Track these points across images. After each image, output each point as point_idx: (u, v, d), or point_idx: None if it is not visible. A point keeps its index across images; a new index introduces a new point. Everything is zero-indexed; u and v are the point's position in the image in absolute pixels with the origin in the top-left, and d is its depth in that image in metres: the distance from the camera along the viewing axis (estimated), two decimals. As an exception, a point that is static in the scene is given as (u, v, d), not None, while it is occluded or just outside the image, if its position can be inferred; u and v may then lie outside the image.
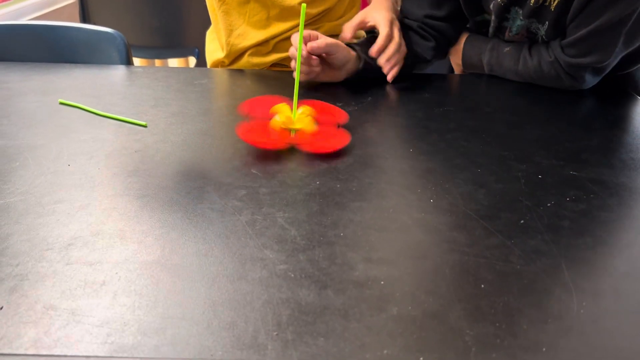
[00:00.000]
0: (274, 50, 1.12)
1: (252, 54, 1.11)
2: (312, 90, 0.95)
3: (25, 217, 0.60)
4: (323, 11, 1.08)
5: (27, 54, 1.20)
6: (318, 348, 0.44)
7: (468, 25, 1.06)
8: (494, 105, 0.91)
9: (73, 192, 0.65)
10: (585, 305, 0.49)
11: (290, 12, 1.07)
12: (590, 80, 0.92)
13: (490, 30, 0.99)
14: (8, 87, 0.98)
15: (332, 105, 0.85)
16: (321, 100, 0.85)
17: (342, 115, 0.83)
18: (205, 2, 1.18)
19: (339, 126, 0.80)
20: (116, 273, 0.52)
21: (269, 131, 0.77)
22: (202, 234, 0.57)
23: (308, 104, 0.80)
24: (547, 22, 0.89)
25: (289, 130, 0.77)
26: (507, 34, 0.96)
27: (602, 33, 0.83)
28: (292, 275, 0.51)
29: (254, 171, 0.69)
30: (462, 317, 0.47)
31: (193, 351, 0.43)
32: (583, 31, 0.84)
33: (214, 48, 1.22)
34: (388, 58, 0.94)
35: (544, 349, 0.44)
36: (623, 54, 0.88)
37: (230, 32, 1.10)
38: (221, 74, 1.06)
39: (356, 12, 1.12)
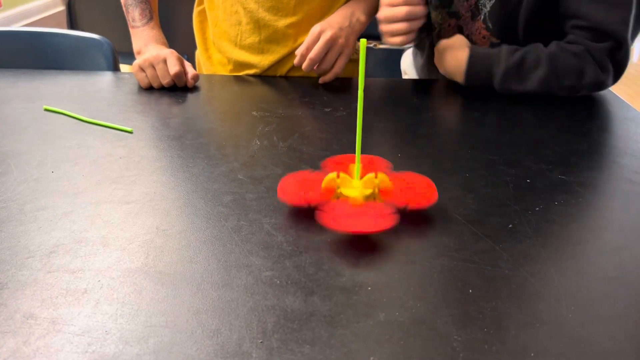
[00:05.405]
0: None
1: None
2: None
3: (6, 224, 0.59)
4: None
5: (14, 61, 1.19)
6: (303, 355, 0.43)
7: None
8: (482, 110, 0.91)
9: (56, 199, 0.64)
10: (574, 309, 0.48)
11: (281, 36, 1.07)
12: (610, 78, 0.90)
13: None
14: (-7, 93, 0.97)
15: (426, 182, 0.64)
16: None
17: (426, 200, 0.61)
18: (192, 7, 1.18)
19: (406, 209, 0.60)
20: (99, 281, 0.51)
21: (310, 185, 0.63)
22: (187, 241, 0.56)
23: (397, 176, 0.64)
24: None
25: (335, 192, 0.61)
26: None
27: None
28: (278, 281, 0.51)
29: (241, 177, 0.69)
30: (450, 323, 0.46)
31: (176, 360, 0.42)
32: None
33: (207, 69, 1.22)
34: (314, 59, 0.98)
35: (532, 354, 0.43)
36: (636, 36, 0.88)
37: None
38: (210, 80, 1.06)
39: None
